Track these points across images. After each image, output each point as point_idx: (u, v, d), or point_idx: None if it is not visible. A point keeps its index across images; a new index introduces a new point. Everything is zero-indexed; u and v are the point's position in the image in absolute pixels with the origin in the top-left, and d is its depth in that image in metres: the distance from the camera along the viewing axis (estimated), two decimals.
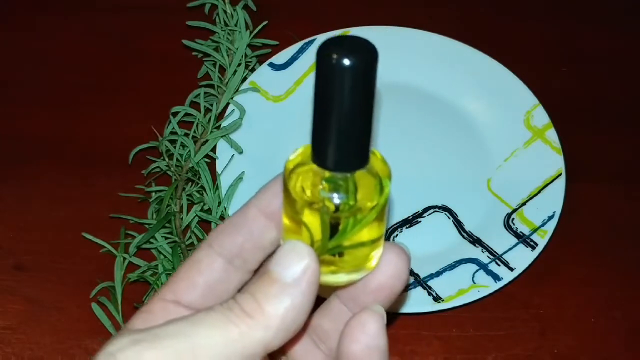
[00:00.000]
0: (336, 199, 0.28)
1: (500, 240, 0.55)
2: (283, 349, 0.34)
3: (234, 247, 0.32)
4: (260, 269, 0.32)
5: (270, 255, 0.33)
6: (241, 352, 0.27)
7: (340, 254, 0.30)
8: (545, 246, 0.55)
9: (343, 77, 0.25)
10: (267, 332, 0.27)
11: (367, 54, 0.25)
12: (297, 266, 0.28)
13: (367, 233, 0.30)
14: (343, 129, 0.27)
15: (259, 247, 0.32)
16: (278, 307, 0.27)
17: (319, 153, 0.28)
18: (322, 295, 0.33)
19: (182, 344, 0.26)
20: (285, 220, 0.30)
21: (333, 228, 0.29)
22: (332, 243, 0.29)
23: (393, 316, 0.53)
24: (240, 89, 0.61)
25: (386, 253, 0.31)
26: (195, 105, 0.60)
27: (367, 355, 0.30)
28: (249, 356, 0.27)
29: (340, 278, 0.31)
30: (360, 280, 0.32)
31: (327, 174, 0.28)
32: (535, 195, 0.58)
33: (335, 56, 0.25)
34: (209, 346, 0.27)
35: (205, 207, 0.56)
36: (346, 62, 0.25)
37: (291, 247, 0.28)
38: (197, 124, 0.59)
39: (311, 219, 0.29)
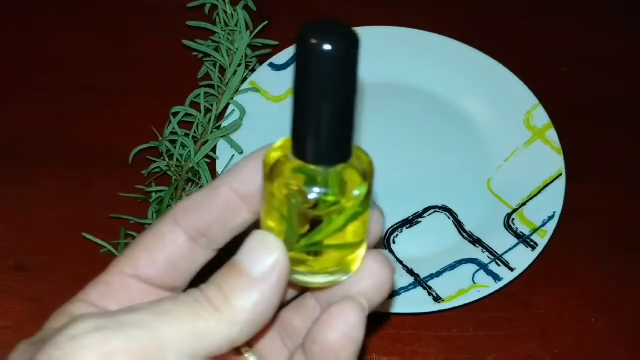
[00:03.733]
0: (312, 193, 0.27)
1: (500, 240, 0.55)
2: (249, 342, 0.33)
3: (200, 225, 0.31)
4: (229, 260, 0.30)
5: (239, 238, 0.31)
6: (208, 346, 0.27)
7: (316, 254, 0.29)
8: (545, 246, 0.55)
9: (323, 62, 0.25)
10: (233, 327, 0.27)
11: (348, 39, 0.25)
12: (266, 259, 0.27)
13: (345, 235, 0.28)
14: (322, 119, 0.26)
15: (227, 229, 0.31)
16: (246, 302, 0.27)
17: (298, 144, 0.27)
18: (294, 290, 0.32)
19: (147, 335, 0.26)
20: (263, 211, 0.29)
21: (313, 226, 0.28)
22: (305, 240, 0.28)
23: (393, 316, 0.53)
24: (240, 89, 0.61)
25: (370, 262, 0.30)
26: (195, 105, 0.60)
27: (342, 345, 0.29)
28: (214, 351, 0.27)
29: (314, 279, 0.30)
30: (337, 285, 0.30)
31: (305, 166, 0.27)
32: (535, 195, 0.58)
33: (314, 41, 0.24)
34: (175, 339, 0.26)
35: None
36: (326, 46, 0.24)
37: (261, 238, 0.27)
38: (197, 124, 0.59)
39: (288, 213, 0.28)
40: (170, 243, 0.31)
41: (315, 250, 0.29)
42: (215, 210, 0.30)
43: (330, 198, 0.27)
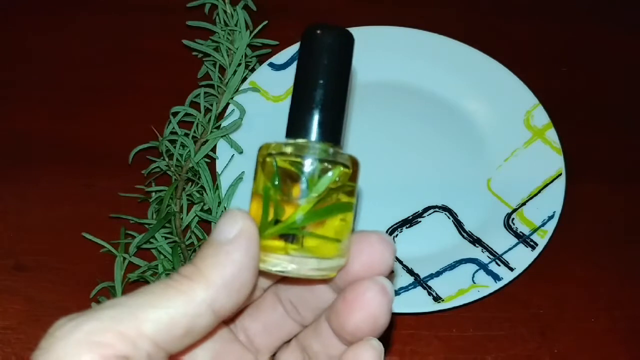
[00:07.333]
0: (307, 165, 0.30)
1: (500, 240, 0.56)
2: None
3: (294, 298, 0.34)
4: None
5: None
6: (184, 313, 0.27)
7: (293, 240, 0.30)
8: (545, 246, 0.55)
9: (322, 50, 0.30)
10: (208, 291, 0.28)
11: (345, 34, 0.31)
12: (232, 228, 0.28)
13: (325, 228, 0.30)
14: (316, 99, 0.30)
15: (315, 307, 0.34)
16: (215, 265, 0.28)
17: (291, 124, 0.31)
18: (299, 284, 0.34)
19: (120, 311, 0.27)
20: (253, 202, 0.31)
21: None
22: (282, 224, 0.30)
23: (393, 316, 0.53)
24: (240, 89, 0.61)
25: (366, 287, 0.30)
26: (195, 105, 0.60)
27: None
28: (194, 317, 0.27)
29: (290, 267, 0.30)
30: (315, 284, 0.32)
31: (296, 142, 0.30)
32: (535, 195, 0.58)
33: (318, 32, 0.31)
34: (151, 310, 0.27)
35: (205, 207, 0.56)
36: (327, 36, 0.30)
37: (227, 213, 0.29)
38: (197, 124, 0.59)
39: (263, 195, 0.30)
40: (269, 308, 0.34)
41: (292, 234, 0.30)
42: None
43: (318, 165, 0.30)
